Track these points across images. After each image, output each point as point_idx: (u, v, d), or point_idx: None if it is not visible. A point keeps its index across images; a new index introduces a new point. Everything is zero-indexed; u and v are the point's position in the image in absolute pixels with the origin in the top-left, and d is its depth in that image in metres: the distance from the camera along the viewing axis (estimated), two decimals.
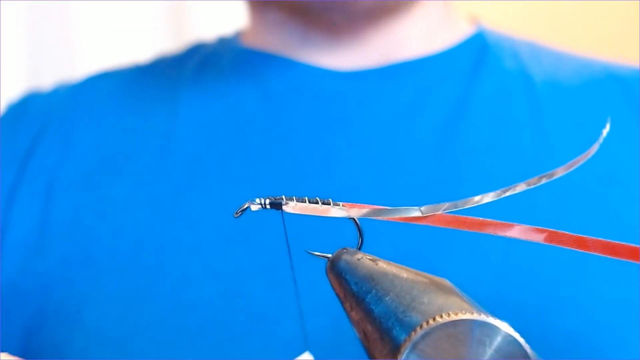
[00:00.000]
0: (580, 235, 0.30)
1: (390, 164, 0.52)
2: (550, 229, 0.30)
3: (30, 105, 0.61)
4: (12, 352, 0.51)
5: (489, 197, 0.31)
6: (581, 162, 0.31)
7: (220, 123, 0.56)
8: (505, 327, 0.28)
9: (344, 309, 0.30)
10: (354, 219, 0.31)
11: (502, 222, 0.30)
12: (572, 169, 0.31)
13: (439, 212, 0.31)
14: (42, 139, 0.57)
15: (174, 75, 0.60)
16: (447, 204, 0.31)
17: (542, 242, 0.30)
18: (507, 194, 0.31)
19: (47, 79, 1.05)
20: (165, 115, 0.57)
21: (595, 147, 0.31)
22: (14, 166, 0.56)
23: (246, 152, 0.54)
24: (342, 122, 0.55)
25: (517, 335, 0.27)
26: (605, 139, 0.52)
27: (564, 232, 0.30)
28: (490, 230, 0.30)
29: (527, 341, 0.28)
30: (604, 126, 0.54)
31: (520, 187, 0.30)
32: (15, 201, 0.54)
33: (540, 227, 0.30)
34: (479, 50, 0.58)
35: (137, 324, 0.49)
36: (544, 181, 0.30)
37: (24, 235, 0.53)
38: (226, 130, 0.56)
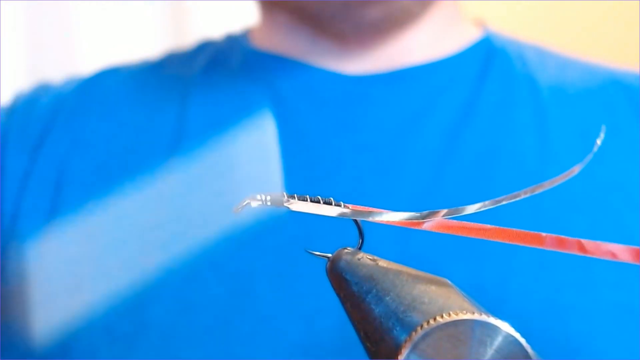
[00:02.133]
0: (559, 235, 0.30)
1: (396, 167, 0.53)
2: (549, 234, 0.30)
3: (41, 96, 0.61)
4: (18, 346, 0.51)
5: (488, 204, 0.30)
6: (580, 168, 0.31)
7: (230, 123, 0.56)
8: (506, 327, 0.28)
9: (345, 308, 0.30)
10: (354, 219, 0.31)
11: (504, 228, 0.30)
12: (575, 174, 0.31)
13: (438, 218, 0.31)
14: (53, 128, 0.58)
15: (183, 72, 0.61)
16: (445, 210, 0.31)
17: (543, 248, 0.30)
18: (506, 201, 0.30)
19: (48, 76, 1.05)
20: (174, 113, 0.57)
21: (587, 159, 0.31)
22: (26, 153, 0.56)
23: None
24: (350, 125, 0.55)
25: (517, 335, 0.27)
26: (610, 145, 0.53)
27: (545, 234, 0.30)
28: (492, 237, 0.30)
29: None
30: (605, 134, 0.54)
31: (525, 193, 0.30)
32: (27, 189, 0.55)
33: (539, 233, 0.30)
34: (486, 55, 0.58)
35: (144, 322, 0.49)
36: (539, 190, 0.30)
37: (34, 225, 0.53)
38: (235, 130, 0.56)
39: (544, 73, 0.58)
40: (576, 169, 0.31)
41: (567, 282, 0.48)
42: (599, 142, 0.31)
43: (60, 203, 0.54)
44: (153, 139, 0.56)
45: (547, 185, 0.30)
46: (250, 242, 0.51)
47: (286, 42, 0.59)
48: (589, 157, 0.31)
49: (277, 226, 0.49)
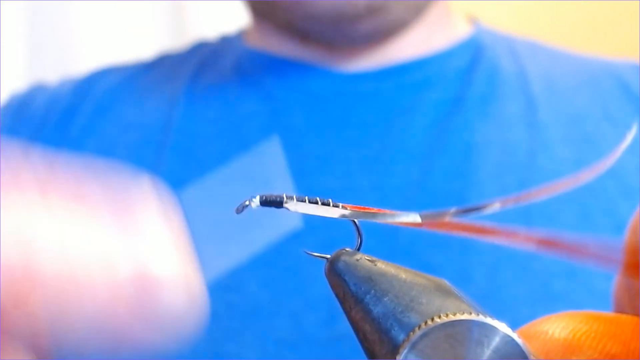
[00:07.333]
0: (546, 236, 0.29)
1: (385, 161, 0.53)
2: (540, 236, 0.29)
3: (36, 96, 0.62)
4: None
5: (502, 204, 0.30)
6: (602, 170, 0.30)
7: (219, 120, 0.57)
8: (503, 327, 0.28)
9: (343, 309, 0.30)
10: (353, 220, 0.31)
11: (504, 228, 0.30)
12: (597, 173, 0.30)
13: (444, 219, 0.30)
14: (43, 130, 0.58)
15: (175, 73, 0.61)
16: (452, 211, 0.30)
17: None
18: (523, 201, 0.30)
19: (47, 77, 1.05)
20: (164, 111, 0.58)
21: (612, 158, 0.30)
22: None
23: (243, 149, 0.55)
24: (340, 121, 0.56)
25: (515, 336, 0.28)
26: (603, 132, 0.52)
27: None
28: (494, 237, 0.30)
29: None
30: (598, 122, 0.53)
31: (545, 192, 0.29)
32: None
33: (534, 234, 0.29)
34: (475, 50, 0.59)
35: None
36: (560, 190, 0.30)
37: None
38: (224, 127, 0.57)
39: (535, 66, 0.59)
40: (595, 170, 0.30)
41: (555, 271, 0.48)
42: (629, 137, 0.30)
43: None
44: (140, 137, 0.57)
45: (569, 183, 0.29)
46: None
47: (277, 45, 0.60)
48: (614, 157, 0.30)
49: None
